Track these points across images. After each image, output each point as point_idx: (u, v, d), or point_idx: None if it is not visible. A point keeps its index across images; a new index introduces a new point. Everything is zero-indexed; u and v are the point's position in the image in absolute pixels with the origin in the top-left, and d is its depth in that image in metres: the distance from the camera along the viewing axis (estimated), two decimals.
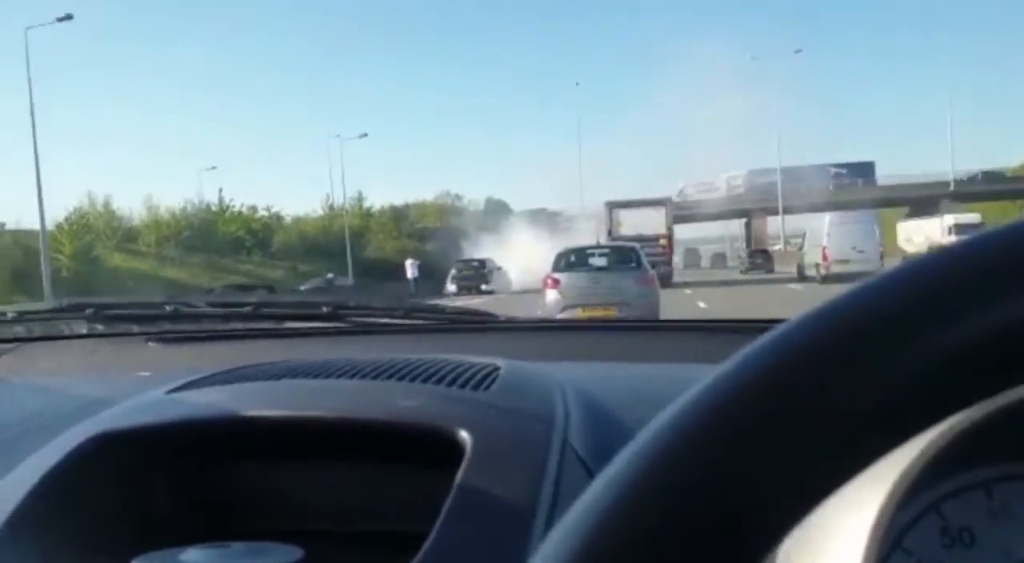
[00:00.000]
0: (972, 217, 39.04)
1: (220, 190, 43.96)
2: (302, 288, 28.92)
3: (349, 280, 33.55)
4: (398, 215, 53.32)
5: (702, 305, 15.45)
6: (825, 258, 24.52)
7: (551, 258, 12.08)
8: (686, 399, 0.29)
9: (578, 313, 10.21)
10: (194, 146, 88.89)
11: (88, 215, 33.30)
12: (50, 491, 0.67)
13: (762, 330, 1.16)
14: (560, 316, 9.79)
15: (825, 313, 0.28)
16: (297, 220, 47.63)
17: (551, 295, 10.83)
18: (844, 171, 57.59)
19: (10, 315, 1.47)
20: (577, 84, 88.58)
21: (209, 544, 0.58)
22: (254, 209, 44.06)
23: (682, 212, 44.58)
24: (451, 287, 30.49)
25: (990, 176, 53.27)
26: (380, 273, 39.04)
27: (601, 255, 12.00)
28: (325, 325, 1.37)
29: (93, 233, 33.00)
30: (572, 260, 11.63)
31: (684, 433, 0.28)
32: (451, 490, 0.61)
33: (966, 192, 49.85)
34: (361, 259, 40.62)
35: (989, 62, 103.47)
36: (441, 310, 1.47)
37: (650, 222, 27.29)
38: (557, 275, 11.05)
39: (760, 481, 0.26)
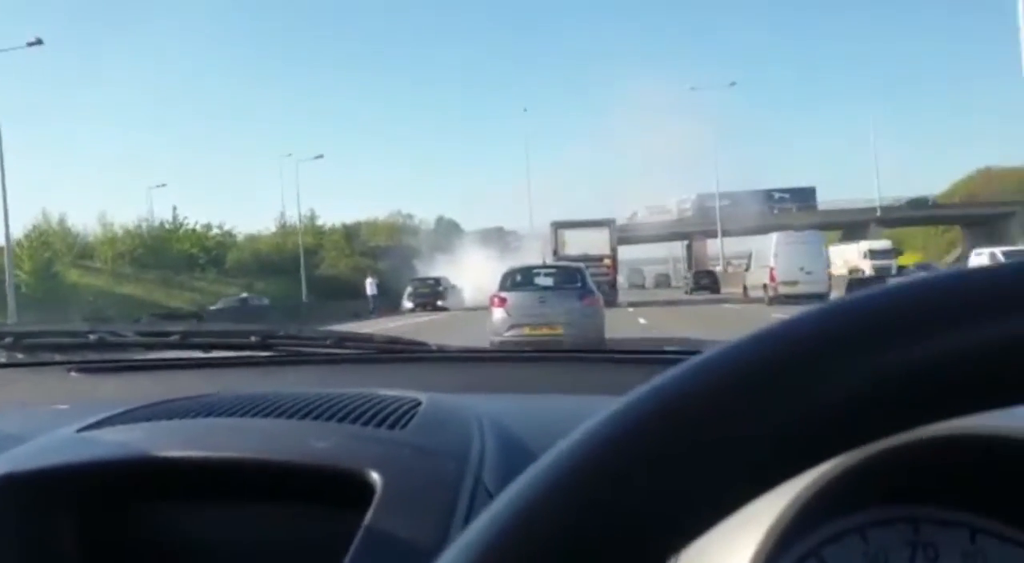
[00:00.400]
0: (883, 243, 41.89)
1: (174, 207, 44.38)
2: (212, 308, 29.11)
3: (265, 300, 33.69)
4: (349, 233, 53.97)
5: (642, 321, 16.09)
6: (772, 279, 23.87)
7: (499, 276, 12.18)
8: (585, 430, 0.30)
9: (524, 332, 10.40)
10: (145, 163, 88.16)
11: (46, 233, 33.50)
12: None
13: (678, 359, 1.04)
14: (507, 334, 10.26)
15: (720, 355, 0.29)
16: (250, 238, 47.95)
17: (498, 313, 10.86)
18: (787, 195, 60.43)
19: None
20: (525, 110, 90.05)
21: None
22: (208, 227, 44.45)
23: (626, 234, 45.89)
24: (407, 304, 31.63)
25: (915, 203, 56.50)
26: (333, 291, 39.76)
27: (547, 275, 11.98)
28: (254, 355, 1.36)
29: (51, 250, 33.20)
30: (518, 279, 11.68)
31: (575, 465, 0.28)
32: (359, 530, 0.60)
33: (892, 218, 52.87)
34: (314, 277, 41.31)
35: (918, 96, 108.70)
36: (371, 339, 1.47)
37: (595, 242, 27.46)
38: (504, 294, 11.08)
39: (645, 510, 0.27)
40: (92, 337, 1.34)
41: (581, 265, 13.13)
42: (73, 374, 1.31)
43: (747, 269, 29.75)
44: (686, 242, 63.32)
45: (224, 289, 39.13)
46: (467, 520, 0.61)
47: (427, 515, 0.62)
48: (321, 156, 48.69)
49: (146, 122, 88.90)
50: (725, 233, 51.45)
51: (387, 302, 32.58)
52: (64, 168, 77.79)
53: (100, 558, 0.71)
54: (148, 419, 0.78)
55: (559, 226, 28.92)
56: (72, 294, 30.06)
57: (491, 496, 0.64)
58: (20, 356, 1.42)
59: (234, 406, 0.80)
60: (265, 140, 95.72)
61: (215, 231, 45.62)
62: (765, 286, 24.59)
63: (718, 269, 44.31)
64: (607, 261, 26.84)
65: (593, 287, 11.73)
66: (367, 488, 0.64)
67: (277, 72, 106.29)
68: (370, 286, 34.10)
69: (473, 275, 31.99)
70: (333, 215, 68.21)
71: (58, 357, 1.40)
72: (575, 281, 11.60)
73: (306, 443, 0.69)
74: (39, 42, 23.60)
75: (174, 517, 0.72)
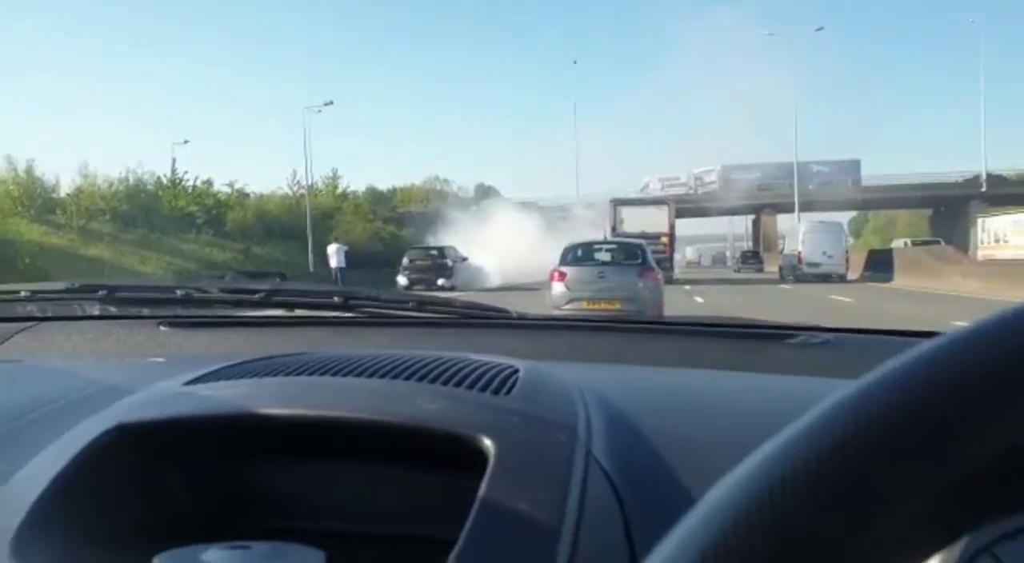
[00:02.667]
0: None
1: (173, 160, 38.70)
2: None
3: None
4: (378, 198, 47.91)
5: (700, 300, 15.61)
6: (800, 261, 28.71)
7: (535, 254, 12.94)
8: (811, 422, 0.29)
9: (583, 306, 10.67)
10: (170, 119, 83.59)
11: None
12: (69, 485, 0.66)
13: (777, 336, 1.21)
14: (566, 307, 10.55)
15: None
16: (260, 198, 42.26)
17: (557, 287, 11.14)
18: (826, 168, 55.06)
19: (24, 294, 1.46)
20: (575, 62, 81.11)
21: (229, 543, 0.58)
22: (209, 183, 38.74)
23: (687, 206, 42.17)
24: (401, 280, 25.29)
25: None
26: (348, 259, 33.85)
27: (607, 250, 12.24)
28: (336, 315, 1.35)
29: None
30: (579, 254, 11.91)
31: (813, 461, 0.28)
32: (476, 501, 0.59)
33: (1002, 194, 44.73)
34: (327, 243, 35.36)
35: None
36: (451, 304, 1.40)
37: (653, 220, 27.97)
38: (564, 268, 11.32)
39: (886, 516, 0.26)
40: (179, 293, 1.38)
41: (642, 242, 13.37)
42: (162, 328, 1.35)
43: (781, 251, 33.98)
44: (752, 217, 56.10)
45: (215, 254, 33.31)
46: (582, 496, 0.61)
47: (543, 487, 0.61)
48: (331, 102, 42.41)
49: (174, 77, 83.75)
50: (784, 209, 44.69)
51: (378, 277, 26.52)
52: (92, 123, 73.01)
53: (207, 511, 0.73)
54: (253, 375, 0.78)
55: (618, 203, 29.21)
56: (10, 253, 24.27)
57: (602, 469, 0.65)
58: (113, 309, 1.45)
59: (336, 364, 0.79)
60: (296, 99, 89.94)
61: (224, 189, 40.03)
62: (793, 267, 28.97)
63: (782, 245, 39.42)
64: (664, 239, 27.14)
65: (653, 263, 11.85)
66: (477, 453, 0.64)
67: (311, 27, 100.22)
68: (334, 255, 27.33)
69: (503, 248, 29.07)
70: (368, 181, 62.07)
71: (147, 312, 1.43)
72: (635, 257, 11.82)
73: (416, 404, 0.69)
74: None
75: (279, 473, 0.74)
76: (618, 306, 10.64)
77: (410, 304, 1.35)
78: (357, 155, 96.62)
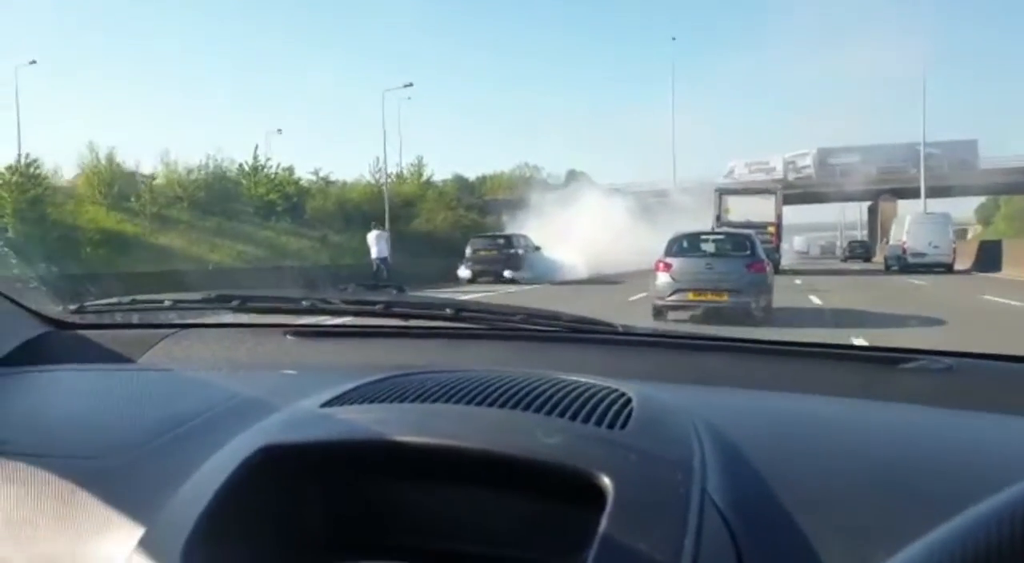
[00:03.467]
0: None
1: (255, 147, 37.81)
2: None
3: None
4: (464, 186, 46.03)
5: (816, 301, 14.76)
6: (904, 252, 29.58)
7: (627, 242, 14.64)
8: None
9: (688, 297, 10.73)
10: (263, 109, 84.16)
11: (35, 163, 27.14)
12: (226, 502, 0.70)
13: (895, 360, 1.13)
14: (670, 299, 10.77)
15: None
16: (343, 186, 41.06)
17: (662, 278, 11.04)
18: (936, 150, 48.93)
19: (167, 303, 1.53)
20: (673, 39, 76.19)
21: None
22: (290, 170, 37.59)
23: (794, 191, 39.71)
24: (464, 272, 23.13)
25: None
26: (428, 248, 32.11)
27: (715, 241, 12.02)
28: (448, 325, 1.39)
29: (41, 186, 26.88)
30: (684, 245, 11.76)
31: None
32: (595, 538, 0.62)
33: None
34: (407, 232, 33.67)
35: None
36: (558, 317, 1.39)
37: (759, 209, 27.10)
38: (669, 259, 11.21)
39: None
40: (305, 303, 1.44)
41: (751, 232, 13.03)
42: (289, 337, 1.41)
43: (887, 242, 34.37)
44: (869, 204, 51.56)
45: (291, 242, 32.02)
46: (698, 537, 0.62)
47: (660, 526, 0.63)
48: (411, 84, 40.66)
49: (267, 66, 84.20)
50: (905, 195, 40.57)
51: (443, 268, 24.31)
52: (184, 112, 74.10)
53: (340, 531, 0.77)
54: (384, 398, 0.83)
55: (723, 192, 28.52)
56: (75, 240, 23.36)
57: (717, 508, 0.66)
58: (244, 318, 1.53)
59: (459, 389, 0.84)
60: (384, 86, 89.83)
61: (310, 177, 38.90)
62: (898, 257, 29.98)
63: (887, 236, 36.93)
64: (771, 229, 26.15)
65: (763, 255, 11.65)
66: (594, 490, 0.66)
67: (399, 13, 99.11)
68: (374, 244, 22.01)
69: (598, 238, 27.35)
70: (457, 169, 60.39)
71: (276, 320, 1.50)
72: (744, 248, 11.62)
73: (535, 438, 0.72)
74: None
75: (403, 494, 0.78)
76: (725, 298, 10.56)
77: (518, 317, 1.38)
78: (448, 144, 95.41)
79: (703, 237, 12.30)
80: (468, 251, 24.30)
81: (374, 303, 1.46)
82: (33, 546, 0.75)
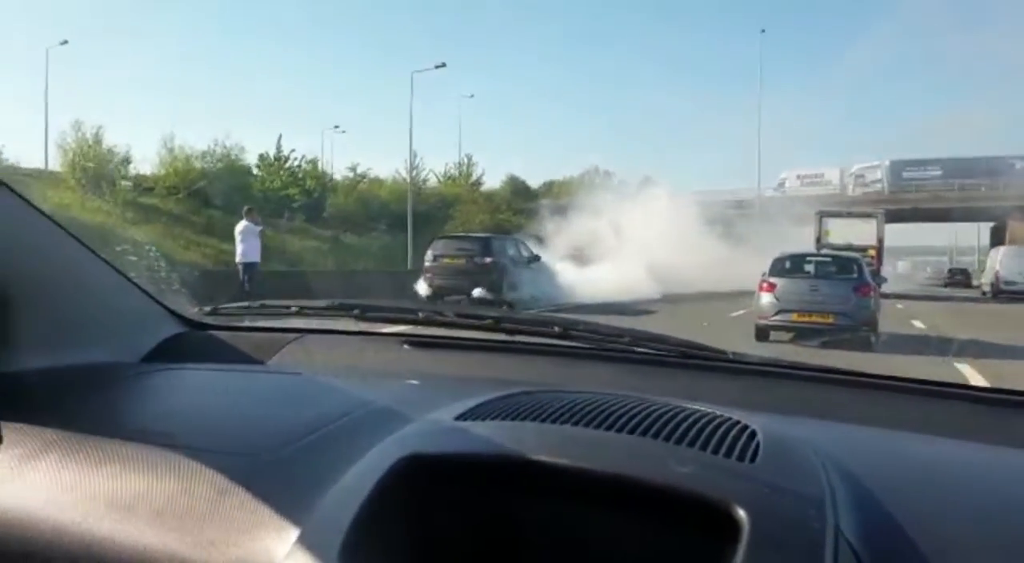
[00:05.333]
0: None
1: (279, 137, 33.44)
2: None
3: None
4: (519, 189, 40.91)
5: (919, 325, 14.66)
6: (997, 279, 31.36)
7: (704, 256, 16.49)
8: None
9: (792, 318, 10.80)
10: (320, 107, 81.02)
11: None
12: (375, 508, 0.73)
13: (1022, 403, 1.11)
14: (774, 319, 10.90)
15: None
16: (371, 182, 36.99)
17: (766, 298, 11.12)
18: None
19: (293, 309, 1.58)
20: (763, 31, 68.73)
21: None
22: (314, 163, 33.22)
23: (898, 206, 37.22)
24: (422, 287, 17.41)
25: None
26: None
27: (821, 263, 12.11)
28: (555, 344, 1.40)
29: None
30: (787, 266, 11.80)
31: None
32: None
33: None
34: (435, 234, 28.75)
35: None
36: (665, 341, 1.38)
37: (861, 232, 26.88)
38: (773, 279, 11.30)
39: None
40: (420, 315, 1.48)
41: (858, 255, 13.35)
42: (406, 347, 1.45)
43: (982, 270, 36.99)
44: (992, 224, 44.57)
45: (293, 242, 27.39)
46: None
47: (798, 561, 0.64)
48: (443, 65, 35.64)
49: (324, 65, 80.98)
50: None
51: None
52: (243, 107, 71.11)
53: (474, 543, 0.78)
54: (515, 416, 0.86)
55: (824, 215, 28.29)
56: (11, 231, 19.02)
57: (852, 548, 0.67)
58: (363, 326, 1.56)
59: (588, 411, 0.86)
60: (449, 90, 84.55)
61: (346, 173, 34.61)
62: (992, 284, 32.12)
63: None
64: (872, 252, 25.61)
65: (870, 278, 11.70)
66: (726, 521, 0.67)
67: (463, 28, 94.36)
68: (241, 239, 14.87)
69: (669, 249, 24.39)
70: (534, 176, 55.35)
71: (393, 330, 1.54)
72: (850, 271, 11.64)
73: (668, 467, 0.74)
74: None
75: (537, 515, 0.78)
76: (831, 320, 10.62)
77: (625, 339, 1.37)
78: (517, 148, 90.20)
79: (808, 258, 12.44)
80: (428, 257, 18.12)
81: (484, 318, 1.48)
82: (190, 536, 0.77)
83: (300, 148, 40.86)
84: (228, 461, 0.85)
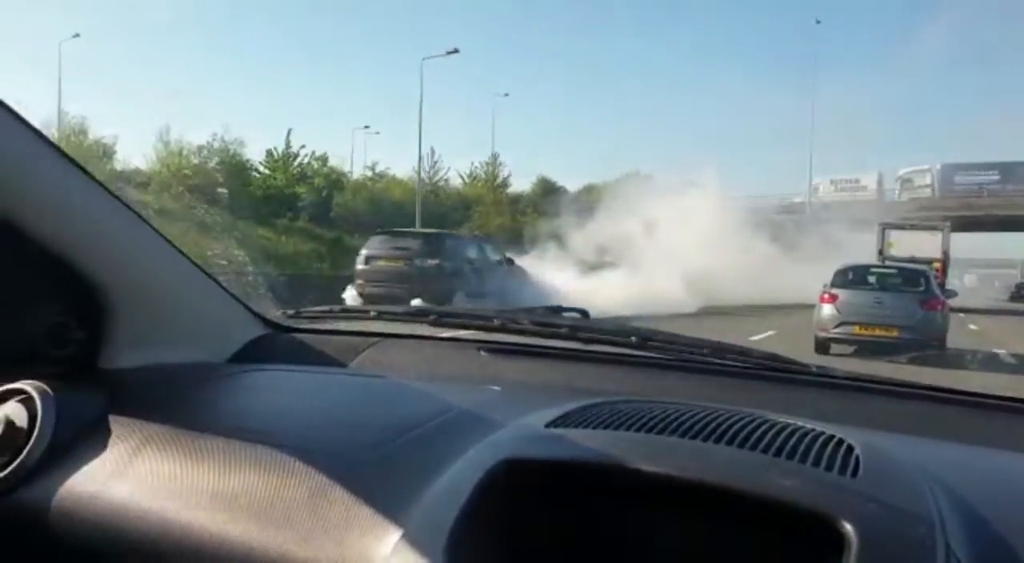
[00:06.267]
0: None
1: (288, 131, 31.19)
2: None
3: None
4: (550, 191, 38.33)
5: (977, 332, 15.55)
6: None
7: (741, 268, 16.58)
8: None
9: (854, 331, 10.62)
10: (354, 107, 79.09)
11: None
12: (474, 509, 0.75)
13: None
14: (834, 331, 10.73)
15: None
16: (391, 182, 34.75)
17: (827, 310, 10.90)
18: None
19: (373, 313, 1.59)
20: (818, 22, 64.19)
21: None
22: (323, 159, 30.88)
23: (949, 213, 34.20)
24: (351, 294, 14.49)
25: None
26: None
27: (886, 275, 11.91)
28: (633, 354, 1.37)
29: None
30: (850, 277, 11.58)
31: None
32: None
33: None
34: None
35: None
36: (747, 352, 1.35)
37: (925, 245, 25.44)
38: (835, 291, 11.06)
39: None
40: (496, 321, 1.48)
41: (926, 268, 13.00)
42: (482, 353, 1.44)
43: None
44: None
45: (286, 245, 24.99)
46: None
47: None
48: (455, 50, 33.20)
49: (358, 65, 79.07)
50: None
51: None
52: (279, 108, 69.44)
53: (566, 548, 0.79)
54: (606, 424, 0.86)
55: (887, 226, 27.18)
56: None
57: None
58: (440, 332, 1.56)
59: (679, 421, 0.86)
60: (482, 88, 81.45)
61: (365, 172, 32.25)
62: None
63: None
64: (936, 264, 23.72)
65: (938, 292, 11.53)
66: (830, 535, 0.67)
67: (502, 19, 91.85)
68: None
69: (710, 255, 22.54)
70: (569, 179, 52.51)
71: (467, 335, 1.53)
72: (917, 284, 11.41)
73: (770, 479, 0.73)
74: None
75: (632, 524, 0.78)
76: (895, 334, 10.43)
77: (705, 350, 1.33)
78: (549, 148, 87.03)
79: (872, 270, 12.35)
80: (360, 258, 14.99)
81: (560, 326, 1.46)
82: (289, 532, 0.81)
83: (329, 148, 39.27)
84: (324, 460, 0.88)
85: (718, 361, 1.32)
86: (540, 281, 17.41)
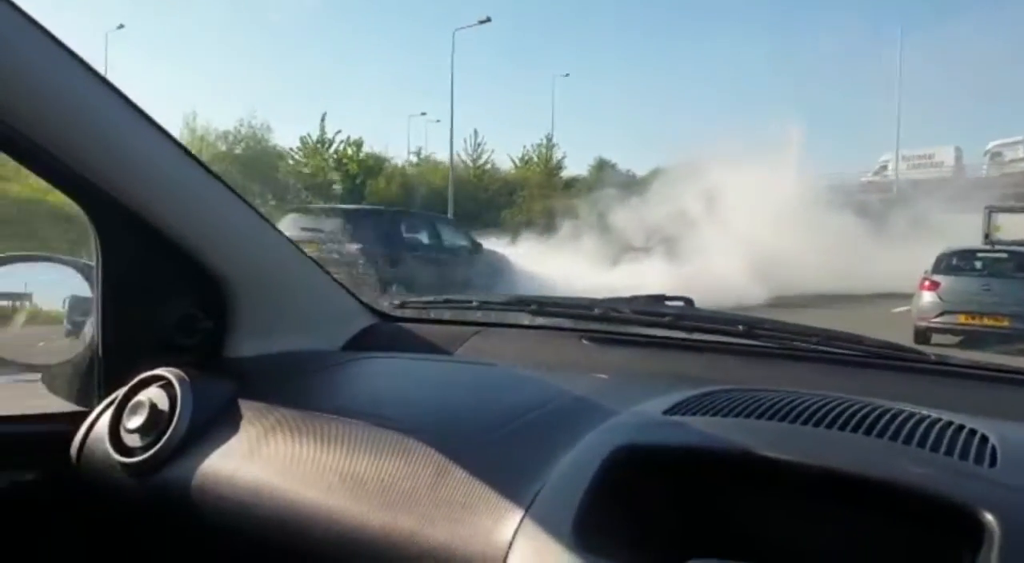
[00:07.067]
0: None
1: (323, 116, 29.80)
2: None
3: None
4: (611, 174, 35.86)
5: None
6: None
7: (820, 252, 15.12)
8: None
9: (959, 320, 10.20)
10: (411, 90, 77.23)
11: None
12: (596, 493, 0.77)
13: None
14: (936, 321, 10.21)
15: None
16: (430, 166, 34.29)
17: (928, 297, 10.44)
18: None
19: (475, 303, 1.64)
20: None
21: None
22: (358, 144, 29.28)
23: None
24: None
25: None
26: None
27: (995, 260, 11.13)
28: (739, 342, 1.35)
29: None
30: (954, 262, 11.01)
31: None
32: None
33: None
34: (488, 221, 25.78)
35: None
36: (860, 340, 1.30)
37: None
38: (937, 277, 10.58)
39: None
40: (596, 310, 1.48)
41: None
42: (584, 342, 1.45)
43: None
44: None
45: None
46: None
47: None
48: (488, 19, 31.67)
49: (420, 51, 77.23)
50: None
51: None
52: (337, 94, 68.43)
53: (687, 532, 0.79)
54: (723, 412, 0.87)
55: (993, 210, 23.30)
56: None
57: None
58: (541, 321, 1.58)
59: (796, 409, 0.86)
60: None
61: (409, 157, 30.72)
62: None
63: None
64: None
65: None
66: (967, 525, 0.66)
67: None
68: None
69: (782, 239, 20.06)
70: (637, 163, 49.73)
71: (568, 324, 1.55)
72: None
73: (901, 466, 0.73)
74: None
75: (753, 509, 0.79)
76: (1006, 324, 9.75)
77: (815, 338, 1.30)
78: (615, 132, 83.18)
79: (979, 255, 11.63)
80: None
81: (663, 315, 1.46)
82: (414, 512, 0.84)
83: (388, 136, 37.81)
84: (445, 442, 0.91)
85: (828, 349, 1.29)
86: (530, 272, 14.96)
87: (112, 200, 1.11)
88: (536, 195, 31.35)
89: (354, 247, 11.57)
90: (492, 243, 17.27)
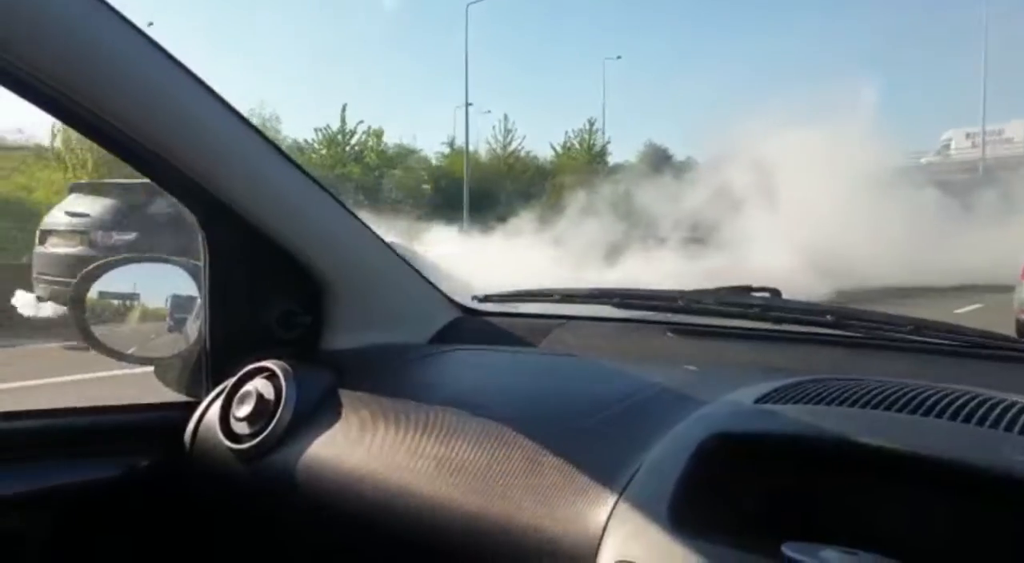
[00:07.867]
0: None
1: (343, 107, 28.26)
2: None
3: None
4: (661, 160, 33.33)
5: None
6: None
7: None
8: None
9: None
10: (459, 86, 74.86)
11: None
12: (689, 480, 0.79)
13: None
14: None
15: None
16: (457, 156, 32.63)
17: None
18: None
19: (557, 297, 1.66)
20: None
21: (841, 549, 0.66)
22: (378, 135, 27.61)
23: None
24: (19, 298, 8.12)
25: None
26: None
27: None
28: (827, 332, 1.36)
29: None
30: None
31: None
32: None
33: None
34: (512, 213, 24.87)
35: None
36: (957, 330, 1.29)
37: None
38: None
39: None
40: (680, 302, 1.49)
41: None
42: (668, 334, 1.47)
43: None
44: None
45: None
46: None
47: None
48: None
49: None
50: None
51: None
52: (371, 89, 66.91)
53: (783, 520, 0.79)
54: (815, 400, 0.88)
55: None
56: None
57: None
58: (625, 313, 1.60)
59: (890, 396, 0.86)
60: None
61: (439, 149, 30.74)
62: None
63: None
64: None
65: None
66: None
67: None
68: None
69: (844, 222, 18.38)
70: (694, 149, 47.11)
71: (653, 317, 1.58)
72: None
73: (1003, 453, 0.72)
74: None
75: (849, 498, 0.79)
76: None
77: (907, 327, 1.28)
78: (669, 117, 78.96)
79: None
80: (37, 238, 9.44)
81: (750, 305, 1.45)
82: (511, 499, 0.88)
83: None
84: (538, 430, 0.95)
85: (922, 339, 1.28)
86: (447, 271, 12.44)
87: (221, 205, 1.21)
88: (575, 184, 29.18)
89: (125, 238, 8.48)
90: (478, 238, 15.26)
